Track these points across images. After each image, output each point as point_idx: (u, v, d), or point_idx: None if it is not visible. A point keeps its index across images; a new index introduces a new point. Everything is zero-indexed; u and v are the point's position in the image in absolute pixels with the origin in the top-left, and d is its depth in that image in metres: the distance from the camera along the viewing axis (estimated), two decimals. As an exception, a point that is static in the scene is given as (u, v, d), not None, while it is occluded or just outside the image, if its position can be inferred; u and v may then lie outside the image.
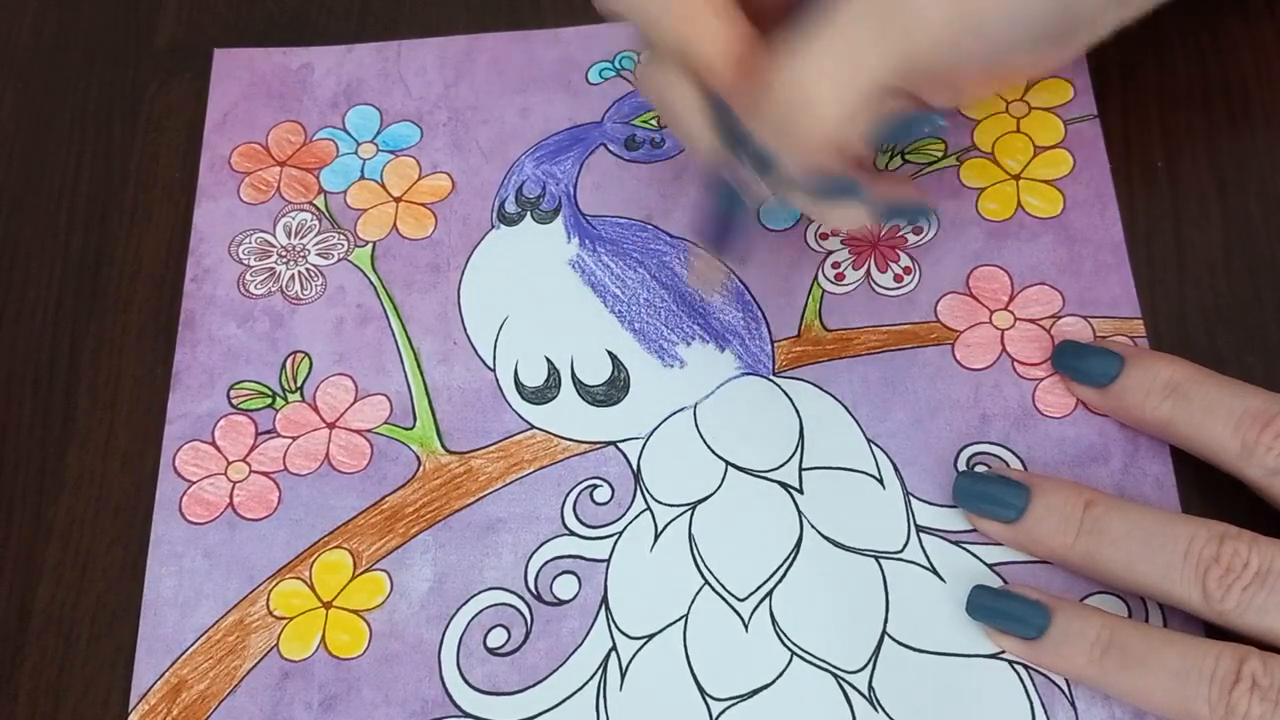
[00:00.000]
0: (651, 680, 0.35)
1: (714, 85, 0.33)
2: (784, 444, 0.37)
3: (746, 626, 0.35)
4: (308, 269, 0.42)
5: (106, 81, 0.46)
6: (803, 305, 0.39)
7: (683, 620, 0.35)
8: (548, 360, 0.39)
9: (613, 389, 0.39)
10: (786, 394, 0.38)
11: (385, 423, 0.39)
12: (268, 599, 0.37)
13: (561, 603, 0.36)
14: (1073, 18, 0.33)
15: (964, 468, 0.37)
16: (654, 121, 0.43)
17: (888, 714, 0.34)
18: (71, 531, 0.38)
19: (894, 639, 0.35)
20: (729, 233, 0.36)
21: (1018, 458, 0.37)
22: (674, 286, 0.40)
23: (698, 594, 0.36)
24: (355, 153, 0.43)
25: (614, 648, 0.35)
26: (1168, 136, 0.41)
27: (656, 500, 0.37)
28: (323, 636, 0.36)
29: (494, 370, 0.39)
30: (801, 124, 0.31)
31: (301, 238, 0.42)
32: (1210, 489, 0.35)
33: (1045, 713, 0.33)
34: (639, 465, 0.38)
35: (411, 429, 0.39)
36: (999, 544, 0.35)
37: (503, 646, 0.36)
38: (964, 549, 0.36)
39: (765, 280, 0.40)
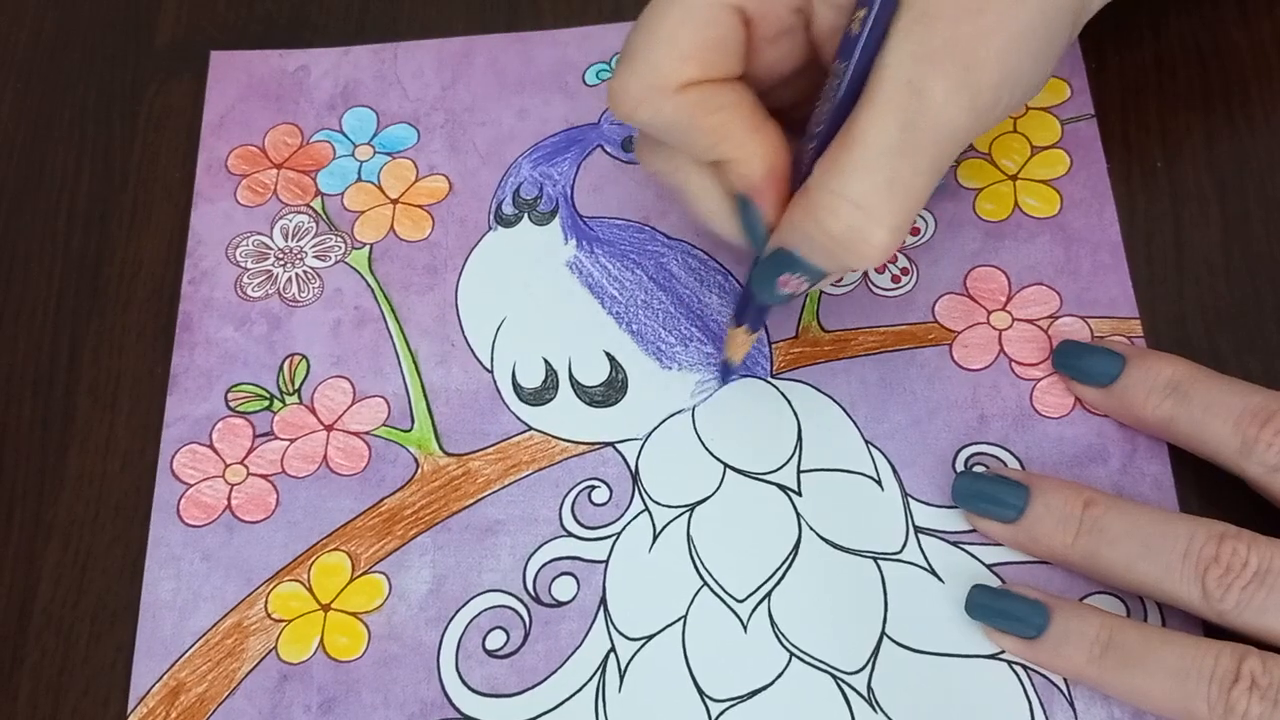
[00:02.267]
0: (650, 681, 0.35)
1: (751, 197, 0.33)
2: (782, 446, 0.37)
3: (745, 627, 0.35)
4: (305, 271, 0.42)
5: (106, 82, 0.46)
6: (800, 306, 0.39)
7: (681, 621, 0.35)
8: (545, 362, 0.39)
9: (611, 390, 0.39)
10: (785, 395, 0.38)
11: (383, 425, 0.39)
12: (266, 601, 0.37)
13: (560, 604, 0.36)
14: (1069, 33, 0.34)
15: (962, 468, 0.37)
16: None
17: (886, 715, 0.34)
18: (71, 531, 0.38)
19: (893, 640, 0.35)
20: (764, 312, 0.37)
21: (1016, 458, 0.37)
22: (671, 288, 0.40)
23: (696, 595, 0.36)
24: (352, 155, 0.43)
25: (613, 649, 0.35)
26: (1167, 136, 0.41)
27: (655, 501, 0.37)
28: (321, 639, 0.36)
29: (492, 372, 0.39)
30: (855, 257, 0.32)
31: (299, 240, 0.42)
32: (1209, 488, 0.35)
33: (1044, 713, 0.33)
34: (637, 466, 0.38)
35: (409, 431, 0.39)
36: (998, 544, 0.35)
37: (502, 648, 0.36)
38: (963, 549, 0.36)
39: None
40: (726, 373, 0.38)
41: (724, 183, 0.34)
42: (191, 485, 0.38)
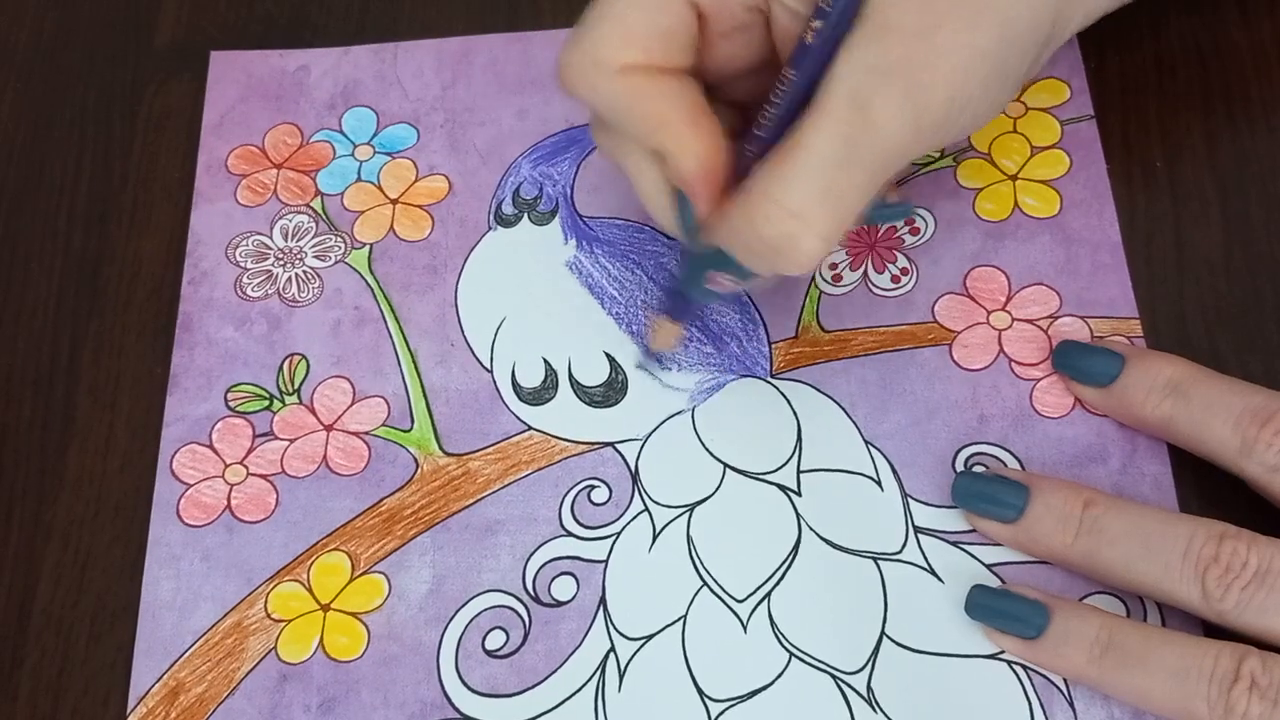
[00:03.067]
0: (650, 681, 0.35)
1: (686, 192, 0.33)
2: (782, 446, 0.37)
3: (745, 627, 0.35)
4: (305, 271, 0.42)
5: (106, 82, 0.46)
6: (800, 306, 0.39)
7: (681, 621, 0.35)
8: (545, 362, 0.39)
9: (610, 390, 0.39)
10: (784, 395, 0.38)
11: (383, 425, 0.39)
12: (266, 601, 0.37)
13: (560, 604, 0.36)
14: (1031, 61, 0.34)
15: (962, 468, 0.37)
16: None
17: (886, 715, 0.34)
18: (71, 531, 0.38)
19: (892, 640, 0.35)
20: (691, 304, 0.37)
21: (1016, 458, 0.37)
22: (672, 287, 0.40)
23: (696, 595, 0.36)
24: (352, 155, 0.43)
25: (612, 649, 0.35)
26: (1167, 137, 0.40)
27: (655, 501, 0.37)
28: (321, 639, 0.36)
29: (491, 372, 0.39)
30: (786, 263, 0.32)
31: (298, 240, 0.42)
32: (1209, 489, 0.35)
33: (1044, 713, 0.33)
34: (637, 466, 0.38)
35: (409, 431, 0.39)
36: (998, 544, 0.35)
37: (501, 648, 0.36)
38: (962, 549, 0.36)
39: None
40: (650, 358, 0.38)
41: (666, 173, 0.34)
42: (191, 485, 0.38)
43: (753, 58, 0.35)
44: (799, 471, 0.37)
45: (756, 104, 0.33)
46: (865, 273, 0.40)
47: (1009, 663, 0.34)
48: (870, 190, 0.32)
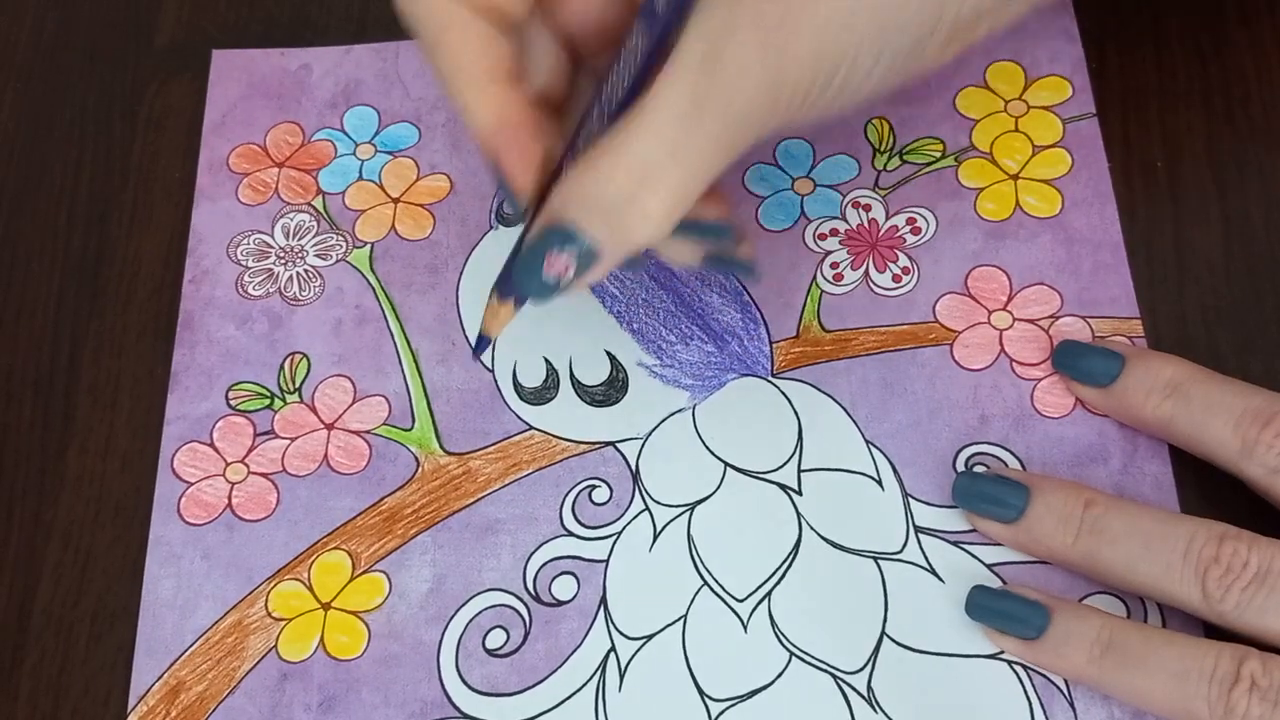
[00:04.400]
0: (650, 681, 0.35)
1: (488, 156, 0.32)
2: (783, 445, 0.37)
3: (745, 627, 0.35)
4: (306, 270, 0.42)
5: (106, 81, 0.46)
6: (801, 305, 0.39)
7: (681, 621, 0.35)
8: (546, 361, 0.39)
9: (611, 389, 0.39)
10: (785, 395, 0.38)
11: (384, 424, 0.39)
12: (266, 600, 0.37)
13: (560, 603, 0.36)
14: (928, 33, 0.30)
15: (963, 468, 0.37)
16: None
17: (886, 714, 0.34)
18: (71, 531, 0.38)
19: (893, 639, 0.35)
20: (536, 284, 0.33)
21: (1017, 458, 0.37)
22: (672, 286, 0.40)
23: (696, 594, 0.36)
24: (353, 154, 0.43)
25: (613, 648, 0.35)
26: (1167, 136, 0.41)
27: (655, 501, 0.37)
28: (321, 638, 0.36)
29: (492, 371, 0.39)
30: (629, 227, 0.30)
31: (300, 239, 0.42)
32: (1209, 489, 0.35)
33: (1044, 713, 0.33)
34: (637, 466, 0.38)
35: (410, 430, 0.39)
36: (998, 544, 0.35)
37: (502, 647, 0.36)
38: (963, 549, 0.36)
39: (764, 280, 0.40)
40: (482, 345, 0.36)
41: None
42: (192, 484, 0.38)
43: (611, 14, 0.33)
44: (800, 471, 0.37)
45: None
46: (866, 272, 0.40)
47: (1009, 663, 0.34)
48: (722, 156, 0.30)
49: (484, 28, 0.32)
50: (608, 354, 0.39)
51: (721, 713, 0.34)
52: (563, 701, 0.35)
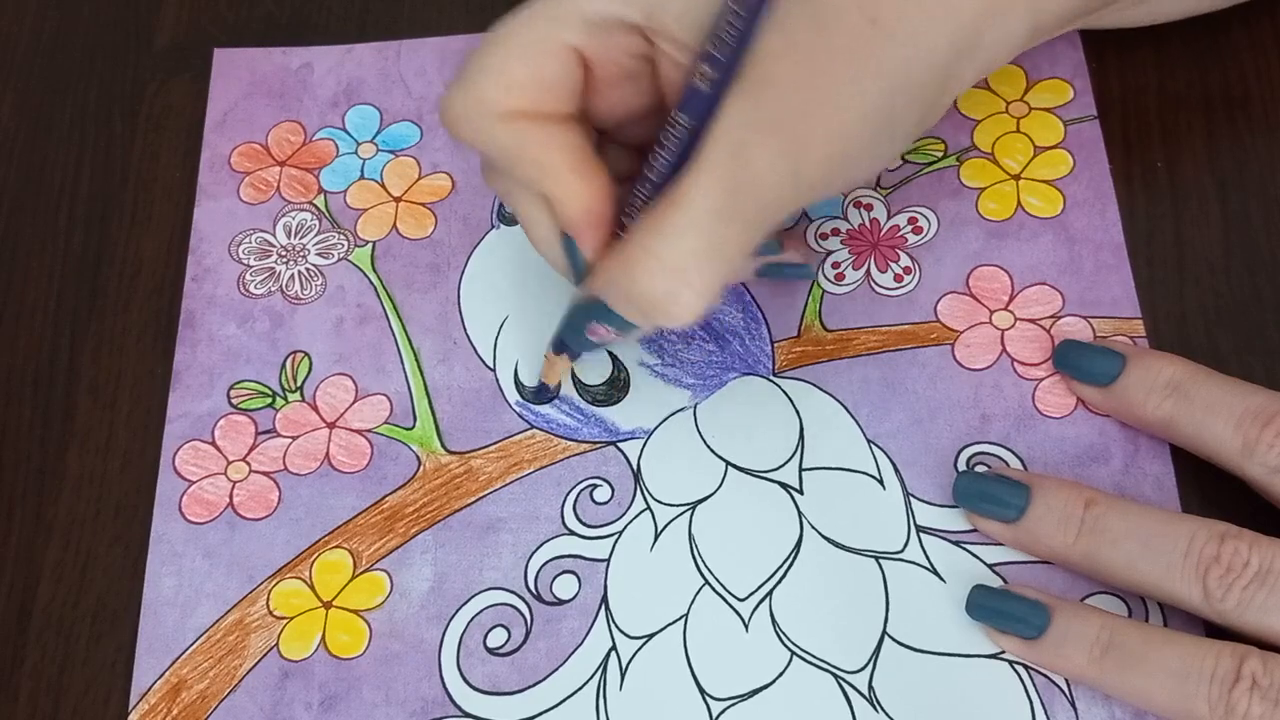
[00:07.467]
0: (651, 680, 0.35)
1: (572, 236, 0.33)
2: (784, 444, 0.37)
3: (746, 626, 0.35)
4: (308, 269, 0.42)
5: (106, 81, 0.46)
6: (803, 305, 0.39)
7: (683, 620, 0.35)
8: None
9: (613, 389, 0.39)
10: (786, 394, 0.38)
11: (385, 423, 0.39)
12: (268, 599, 0.37)
13: (561, 602, 0.36)
14: (920, 118, 0.33)
15: (964, 468, 0.37)
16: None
17: (887, 714, 0.34)
18: (71, 531, 0.38)
19: (894, 639, 0.35)
20: (582, 344, 0.36)
21: (1018, 458, 0.37)
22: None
23: (698, 594, 0.36)
24: (355, 152, 0.43)
25: (614, 647, 0.35)
26: (1168, 136, 0.41)
27: (656, 500, 0.37)
28: (323, 636, 0.36)
29: (494, 370, 0.39)
30: (665, 318, 0.32)
31: (301, 237, 0.42)
32: (1210, 489, 0.35)
33: (1045, 713, 0.33)
34: (639, 465, 0.38)
35: (411, 429, 0.39)
36: (999, 544, 0.35)
37: (503, 646, 0.36)
38: (964, 549, 0.36)
39: (765, 280, 0.40)
40: (543, 395, 0.38)
41: (554, 217, 0.34)
42: (194, 482, 0.38)
43: (642, 104, 0.34)
44: (801, 470, 0.37)
45: (650, 147, 0.33)
46: (868, 272, 0.40)
47: (1010, 662, 0.34)
48: (751, 243, 0.32)
49: (558, 126, 0.33)
50: (609, 353, 0.39)
51: (722, 712, 0.34)
52: (564, 700, 0.35)
